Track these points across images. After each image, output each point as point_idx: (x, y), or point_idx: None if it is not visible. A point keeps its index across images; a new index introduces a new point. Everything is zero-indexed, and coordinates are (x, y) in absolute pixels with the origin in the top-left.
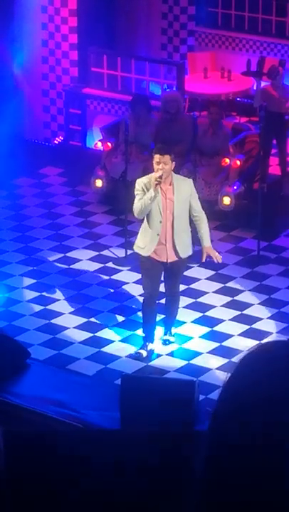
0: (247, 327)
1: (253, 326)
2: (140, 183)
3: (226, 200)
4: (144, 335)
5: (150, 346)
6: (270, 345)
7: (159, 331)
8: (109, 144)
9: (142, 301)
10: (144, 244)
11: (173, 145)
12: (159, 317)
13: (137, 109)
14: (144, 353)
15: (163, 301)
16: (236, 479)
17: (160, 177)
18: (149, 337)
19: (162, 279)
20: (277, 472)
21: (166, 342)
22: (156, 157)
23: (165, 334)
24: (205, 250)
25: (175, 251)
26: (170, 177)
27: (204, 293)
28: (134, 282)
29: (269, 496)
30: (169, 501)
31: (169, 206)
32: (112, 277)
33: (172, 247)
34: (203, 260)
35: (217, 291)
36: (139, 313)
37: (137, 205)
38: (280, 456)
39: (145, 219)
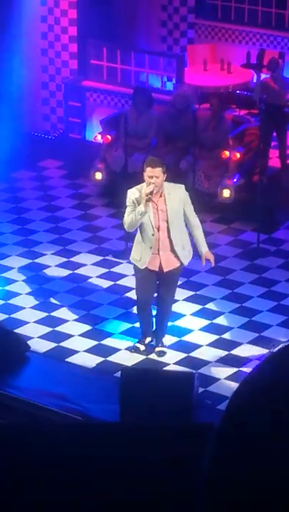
0: (247, 320)
1: (253, 318)
2: (131, 195)
3: (226, 193)
4: (141, 330)
5: (148, 340)
6: None
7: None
8: (108, 137)
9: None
10: (139, 256)
11: (174, 140)
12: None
13: (138, 101)
14: (142, 347)
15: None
16: (245, 478)
17: (151, 193)
18: (145, 332)
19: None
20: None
21: (160, 354)
22: (148, 170)
23: (157, 345)
24: (204, 256)
25: (175, 258)
26: (161, 188)
27: (204, 285)
28: (133, 275)
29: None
30: (167, 498)
31: (162, 217)
32: (112, 270)
33: (171, 256)
34: (203, 264)
35: (216, 284)
36: None
37: (127, 219)
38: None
39: (138, 232)
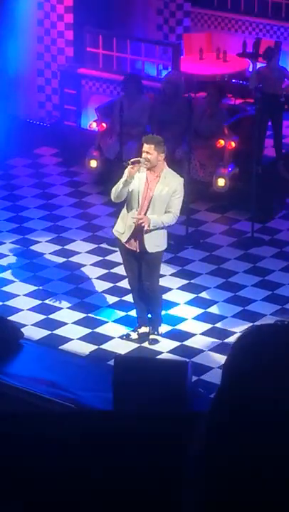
0: (240, 309)
1: (247, 307)
2: (127, 171)
3: (221, 182)
4: (136, 316)
5: (142, 329)
6: (263, 328)
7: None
8: (104, 125)
9: None
10: (122, 229)
11: (167, 127)
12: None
13: (129, 88)
14: (135, 335)
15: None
16: (236, 467)
17: (134, 162)
18: (140, 319)
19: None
20: (278, 457)
21: (153, 342)
22: (143, 146)
23: (152, 333)
24: (145, 217)
25: (142, 243)
26: (158, 168)
27: (198, 274)
28: None
29: (271, 485)
30: (158, 486)
31: (148, 197)
32: (106, 258)
33: (141, 238)
34: (134, 220)
35: (210, 273)
36: None
37: (112, 189)
38: (281, 441)
39: (125, 205)
